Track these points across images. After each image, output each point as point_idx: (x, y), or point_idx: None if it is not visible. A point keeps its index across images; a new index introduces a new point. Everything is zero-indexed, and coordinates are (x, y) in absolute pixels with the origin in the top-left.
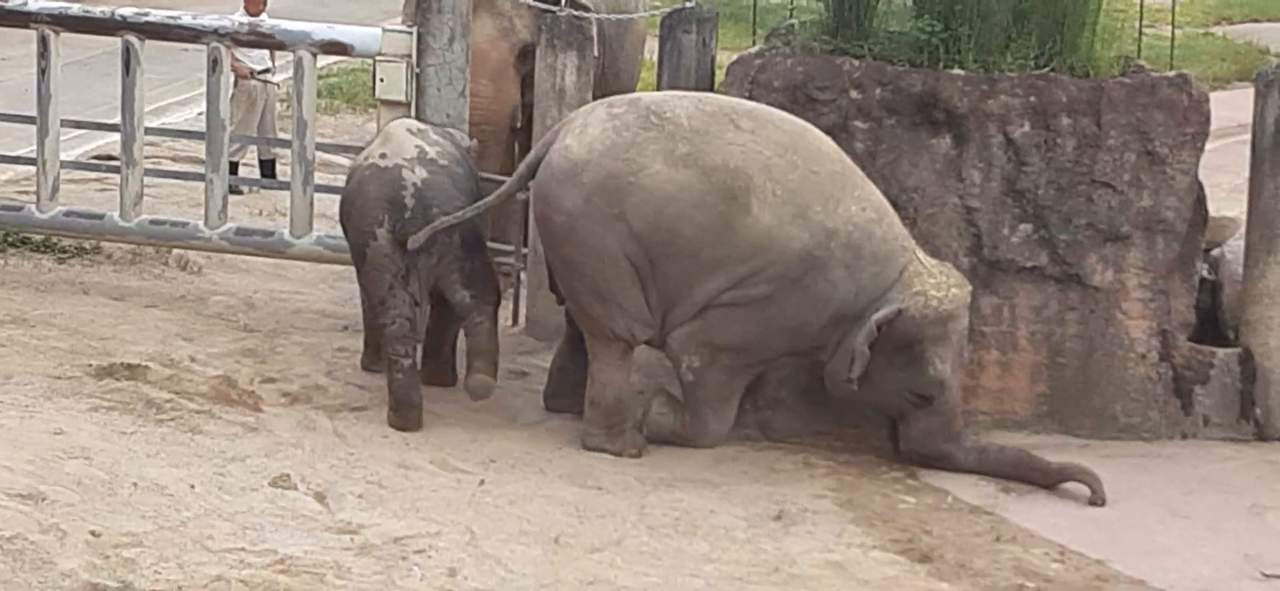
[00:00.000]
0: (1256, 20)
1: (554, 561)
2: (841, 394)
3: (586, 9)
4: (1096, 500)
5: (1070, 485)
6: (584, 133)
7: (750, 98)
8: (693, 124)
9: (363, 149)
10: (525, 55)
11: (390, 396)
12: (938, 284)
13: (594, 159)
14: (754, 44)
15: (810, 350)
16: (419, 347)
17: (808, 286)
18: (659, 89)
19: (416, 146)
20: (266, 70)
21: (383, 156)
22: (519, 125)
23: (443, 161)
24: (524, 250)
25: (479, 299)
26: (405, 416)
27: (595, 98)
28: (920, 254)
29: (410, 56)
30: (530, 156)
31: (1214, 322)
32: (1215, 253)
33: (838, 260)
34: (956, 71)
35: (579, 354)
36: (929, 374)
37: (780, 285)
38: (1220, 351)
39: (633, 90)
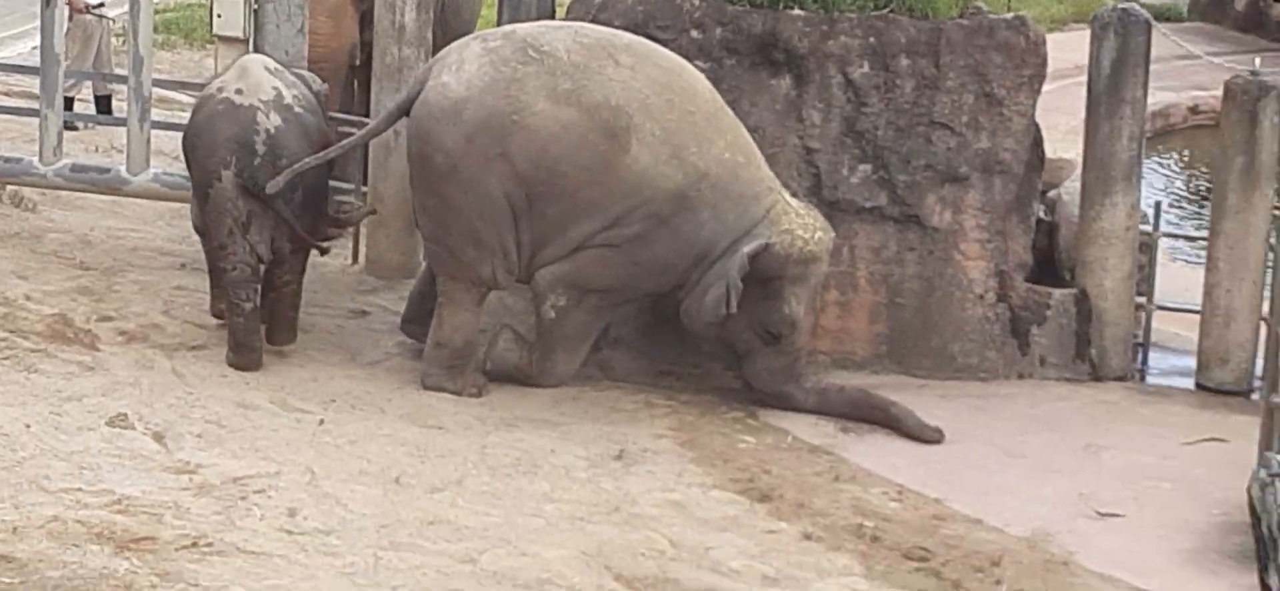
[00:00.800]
0: None
1: (394, 501)
2: (697, 328)
3: None
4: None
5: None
6: (461, 69)
7: None
8: (572, 58)
9: (214, 79)
10: None
11: (231, 337)
12: (804, 225)
13: (474, 96)
14: None
15: (672, 290)
16: (259, 290)
17: (677, 227)
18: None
19: (274, 88)
20: (101, 5)
21: (239, 92)
22: (357, 63)
23: (297, 108)
24: (364, 189)
25: (296, 254)
26: (245, 357)
27: (434, 35)
28: (786, 194)
29: None
30: (402, 96)
31: (1051, 263)
32: (1052, 194)
33: (706, 201)
34: (796, 12)
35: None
36: (783, 311)
37: (651, 225)
38: (1056, 292)
39: (473, 28)
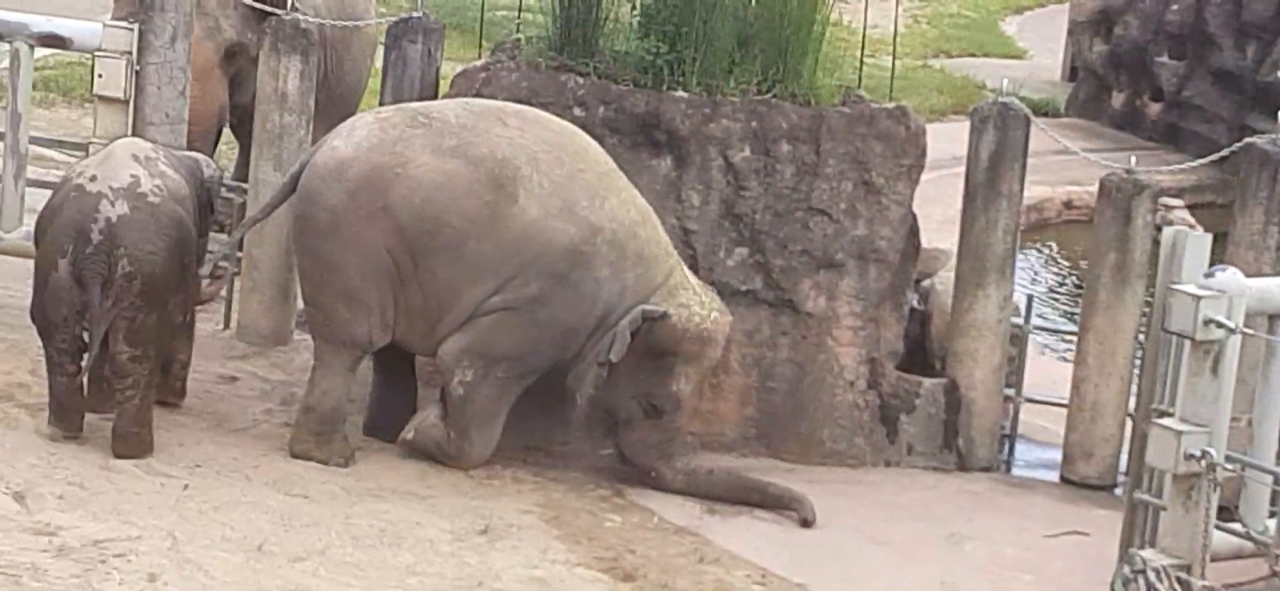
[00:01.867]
0: (973, 55)
1: (256, 569)
2: (582, 390)
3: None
4: (807, 521)
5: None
6: (351, 135)
7: None
8: (460, 120)
9: (84, 158)
10: (232, 56)
11: (51, 401)
12: (702, 303)
13: (361, 155)
14: (480, 56)
15: (575, 359)
16: (81, 361)
17: (576, 284)
18: (382, 98)
19: (131, 176)
20: None
21: (93, 179)
22: (224, 127)
23: (154, 198)
24: (238, 254)
25: (136, 362)
26: (65, 422)
27: (318, 102)
28: (685, 267)
29: (130, 53)
30: (294, 167)
31: (922, 352)
32: (925, 283)
33: (603, 257)
34: (680, 93)
35: (394, 381)
36: (671, 388)
37: (548, 283)
38: (926, 381)
39: (358, 97)
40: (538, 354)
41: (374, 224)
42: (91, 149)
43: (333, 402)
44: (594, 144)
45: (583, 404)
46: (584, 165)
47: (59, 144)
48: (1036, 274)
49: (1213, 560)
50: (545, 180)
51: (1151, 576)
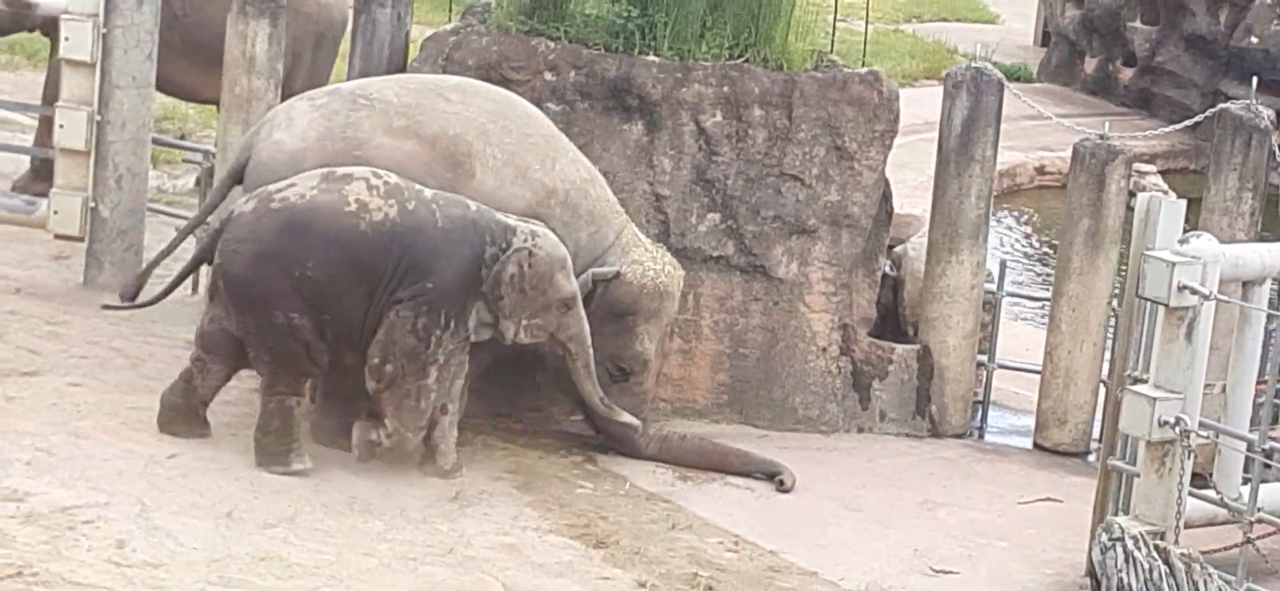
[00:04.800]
0: (945, 19)
1: (226, 535)
2: (549, 359)
3: None
4: (786, 487)
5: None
6: (292, 125)
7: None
8: (403, 100)
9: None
10: None
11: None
12: (654, 258)
13: (311, 146)
14: (449, 20)
15: None
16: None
17: None
18: (350, 63)
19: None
20: None
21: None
22: None
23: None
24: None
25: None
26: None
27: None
28: (634, 226)
29: (97, 16)
30: (232, 163)
31: (895, 318)
32: (898, 249)
33: (557, 219)
34: (651, 58)
35: None
36: (635, 347)
37: None
38: (899, 347)
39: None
40: None
41: None
42: (58, 110)
43: None
44: (534, 108)
45: (550, 372)
46: (531, 130)
47: (24, 107)
48: (1009, 240)
49: (1186, 527)
50: (497, 150)
51: (1130, 544)
